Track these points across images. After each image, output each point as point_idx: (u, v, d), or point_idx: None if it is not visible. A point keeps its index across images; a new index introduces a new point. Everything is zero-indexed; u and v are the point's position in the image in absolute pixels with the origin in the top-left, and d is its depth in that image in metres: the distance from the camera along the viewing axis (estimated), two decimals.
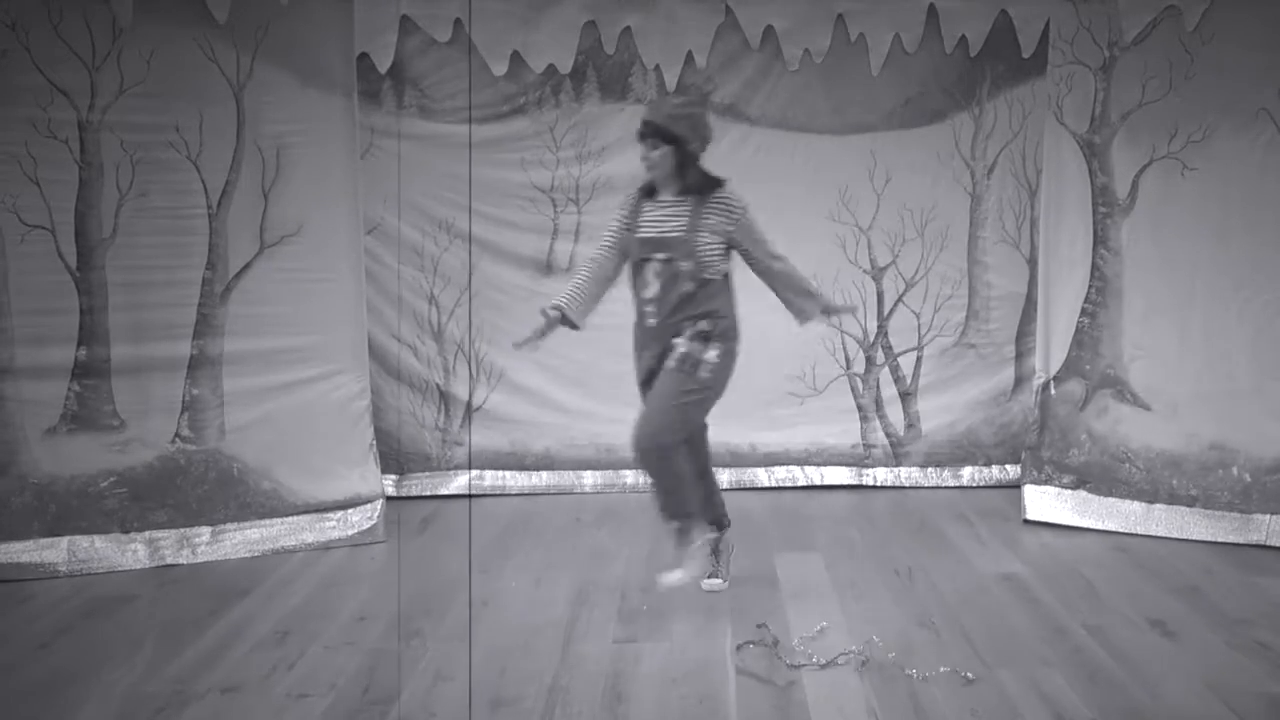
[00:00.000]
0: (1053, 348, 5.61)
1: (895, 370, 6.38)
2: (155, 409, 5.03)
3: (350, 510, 5.29)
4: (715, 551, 4.57)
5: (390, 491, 5.92)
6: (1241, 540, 5.16)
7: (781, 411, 6.33)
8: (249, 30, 5.00)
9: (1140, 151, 5.35)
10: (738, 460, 6.31)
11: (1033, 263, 6.11)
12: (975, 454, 6.36)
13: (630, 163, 6.10)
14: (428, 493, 6.16)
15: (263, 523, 5.15)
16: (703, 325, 4.25)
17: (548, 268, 6.19)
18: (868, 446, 6.38)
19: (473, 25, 5.93)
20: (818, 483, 6.31)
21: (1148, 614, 4.29)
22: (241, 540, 5.11)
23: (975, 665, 3.79)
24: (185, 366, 5.05)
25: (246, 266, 5.11)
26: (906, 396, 6.39)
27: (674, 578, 4.29)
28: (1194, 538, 5.22)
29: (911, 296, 6.32)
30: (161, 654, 3.95)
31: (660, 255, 4.24)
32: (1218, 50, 5.16)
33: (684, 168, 4.26)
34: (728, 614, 4.29)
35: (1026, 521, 5.52)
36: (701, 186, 4.28)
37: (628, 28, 6.05)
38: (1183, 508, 5.30)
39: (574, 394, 6.25)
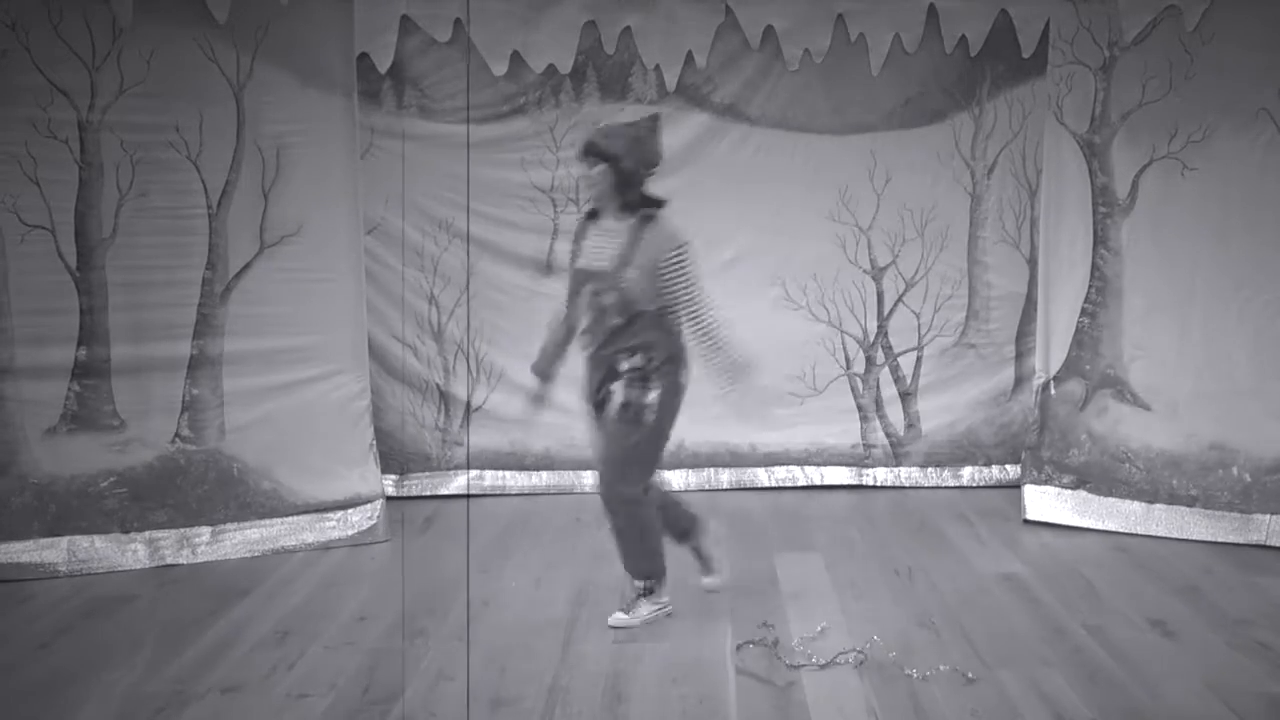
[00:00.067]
0: (1053, 348, 5.61)
1: (895, 370, 6.38)
2: (155, 409, 5.03)
3: (350, 510, 5.29)
4: (701, 551, 4.43)
5: (390, 491, 5.92)
6: (1241, 540, 5.16)
7: (781, 411, 6.32)
8: (249, 30, 5.00)
9: (1140, 151, 5.35)
10: (738, 460, 6.31)
11: (1033, 263, 6.11)
12: (975, 454, 6.36)
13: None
14: (428, 493, 6.15)
15: (263, 523, 5.15)
16: (637, 361, 4.01)
17: (548, 268, 6.18)
18: (868, 446, 6.38)
19: (473, 25, 5.93)
20: (818, 483, 6.31)
21: (1148, 614, 4.29)
22: (241, 540, 5.11)
23: (975, 665, 3.79)
24: (185, 366, 5.05)
25: (246, 266, 5.11)
26: (906, 396, 6.38)
27: (620, 619, 4.20)
28: (1194, 538, 5.22)
29: (911, 296, 6.32)
30: (161, 654, 3.95)
31: (590, 286, 4.05)
32: (1218, 50, 5.16)
33: (621, 189, 4.02)
34: (728, 614, 4.29)
35: (1026, 521, 5.52)
36: (639, 210, 4.03)
37: (628, 28, 6.05)
38: (1183, 508, 5.30)
39: (574, 394, 6.20)
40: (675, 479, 6.29)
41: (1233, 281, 5.25)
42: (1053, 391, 5.61)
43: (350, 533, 5.27)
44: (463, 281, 6.12)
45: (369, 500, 5.35)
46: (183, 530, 5.04)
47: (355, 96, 5.31)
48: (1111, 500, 5.42)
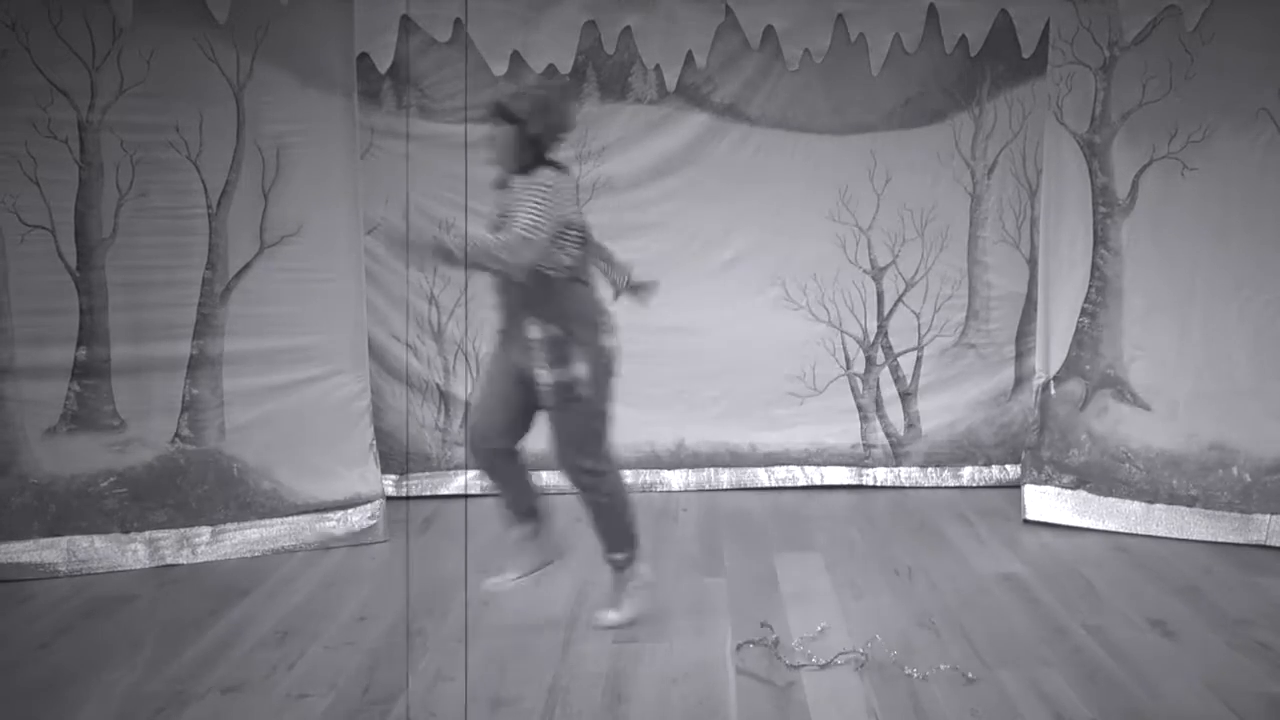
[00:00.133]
0: (1053, 348, 5.61)
1: (895, 370, 6.38)
2: (155, 409, 5.03)
3: (350, 510, 5.29)
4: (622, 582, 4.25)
5: (390, 491, 5.92)
6: (1241, 540, 5.16)
7: (781, 411, 6.33)
8: (249, 30, 5.00)
9: (1140, 151, 5.35)
10: (738, 460, 6.31)
11: (1033, 263, 6.11)
12: (975, 454, 6.36)
13: (631, 162, 6.15)
14: (428, 493, 6.15)
15: (263, 523, 5.15)
16: (554, 331, 3.84)
17: None
18: (868, 446, 6.38)
19: (473, 25, 5.93)
20: (818, 483, 6.31)
21: (1148, 614, 4.29)
22: (241, 540, 5.11)
23: (975, 665, 3.79)
24: (185, 366, 5.05)
25: (246, 266, 5.11)
26: (906, 396, 6.38)
27: (611, 617, 4.17)
28: (1194, 538, 5.22)
29: (911, 296, 6.32)
30: (161, 654, 3.95)
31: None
32: (1218, 50, 5.16)
33: (522, 151, 3.85)
34: (728, 614, 4.29)
35: (1026, 521, 5.52)
36: (536, 170, 3.82)
37: (628, 28, 6.04)
38: (1183, 508, 5.30)
39: None
40: (675, 479, 6.30)
41: (1233, 281, 5.25)
42: (1053, 391, 5.61)
43: (350, 533, 5.27)
44: (462, 281, 6.12)
45: (369, 500, 5.35)
46: (183, 530, 5.04)
47: (355, 96, 5.31)
48: (1111, 500, 5.42)
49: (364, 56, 5.74)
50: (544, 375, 3.88)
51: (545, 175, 3.83)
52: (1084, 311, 5.53)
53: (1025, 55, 6.09)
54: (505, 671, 3.77)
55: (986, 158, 6.23)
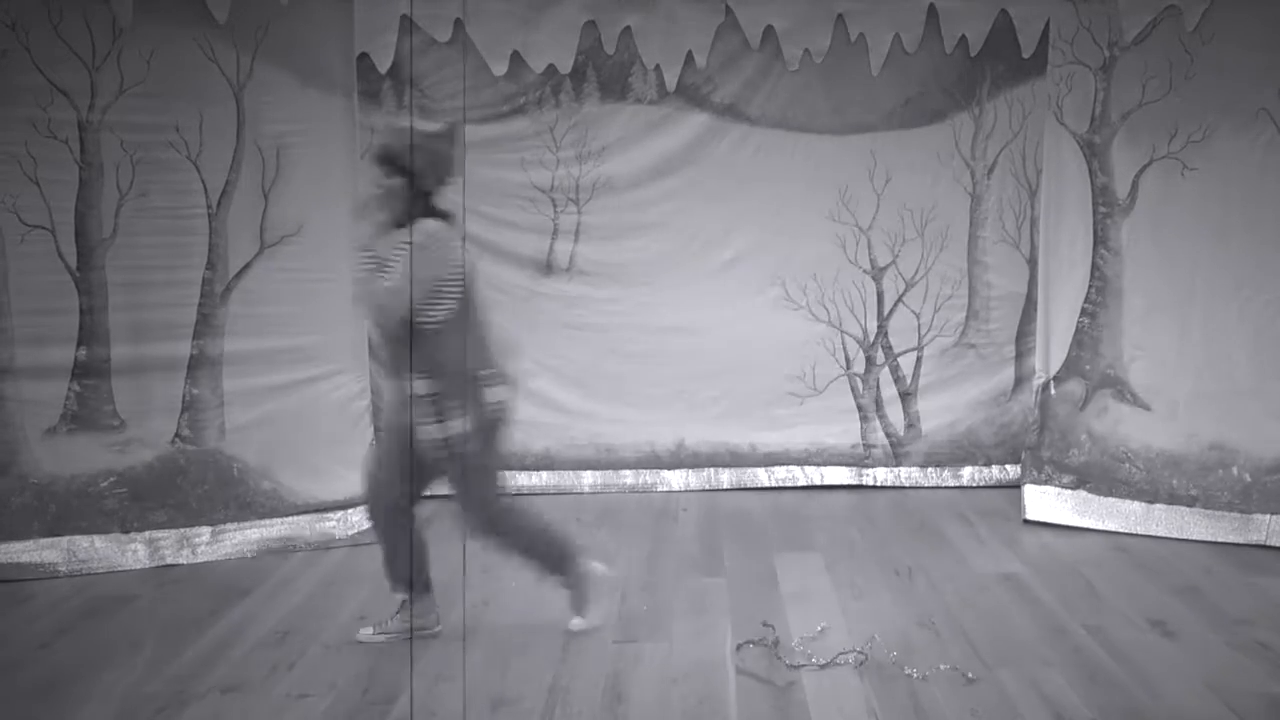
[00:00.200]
0: (1053, 348, 5.61)
1: (895, 370, 6.38)
2: (155, 409, 5.03)
3: (350, 510, 5.29)
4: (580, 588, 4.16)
5: None
6: (1241, 540, 5.16)
7: (781, 411, 6.33)
8: (249, 30, 5.00)
9: (1140, 151, 5.35)
10: (738, 460, 6.31)
11: (1033, 263, 6.11)
12: (975, 454, 6.36)
13: (631, 162, 6.15)
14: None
15: (263, 523, 5.15)
16: (433, 386, 3.73)
17: (548, 268, 6.18)
18: (868, 446, 6.38)
19: (473, 25, 5.93)
20: (818, 483, 6.31)
21: (1148, 614, 4.29)
22: (241, 540, 5.11)
23: (975, 665, 3.79)
24: (185, 366, 5.05)
25: (246, 266, 5.11)
26: (906, 396, 6.38)
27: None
28: (1194, 538, 5.22)
29: (911, 296, 6.32)
30: (161, 654, 3.95)
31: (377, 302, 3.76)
32: (1218, 50, 5.16)
33: (412, 204, 3.73)
34: (728, 614, 4.29)
35: (1026, 521, 5.52)
36: (418, 221, 3.71)
37: (628, 28, 6.05)
38: (1183, 508, 5.30)
39: (574, 394, 6.25)
40: (675, 479, 6.31)
41: (1233, 281, 5.25)
42: (1053, 391, 5.61)
43: (350, 533, 5.27)
44: None
45: None
46: (183, 530, 5.04)
47: (355, 96, 5.32)
48: (1111, 500, 5.42)
49: (364, 56, 5.74)
50: (426, 430, 3.79)
51: (428, 227, 3.73)
52: (1084, 311, 5.53)
53: (1025, 55, 6.09)
54: (505, 671, 3.77)
55: (986, 158, 6.23)
